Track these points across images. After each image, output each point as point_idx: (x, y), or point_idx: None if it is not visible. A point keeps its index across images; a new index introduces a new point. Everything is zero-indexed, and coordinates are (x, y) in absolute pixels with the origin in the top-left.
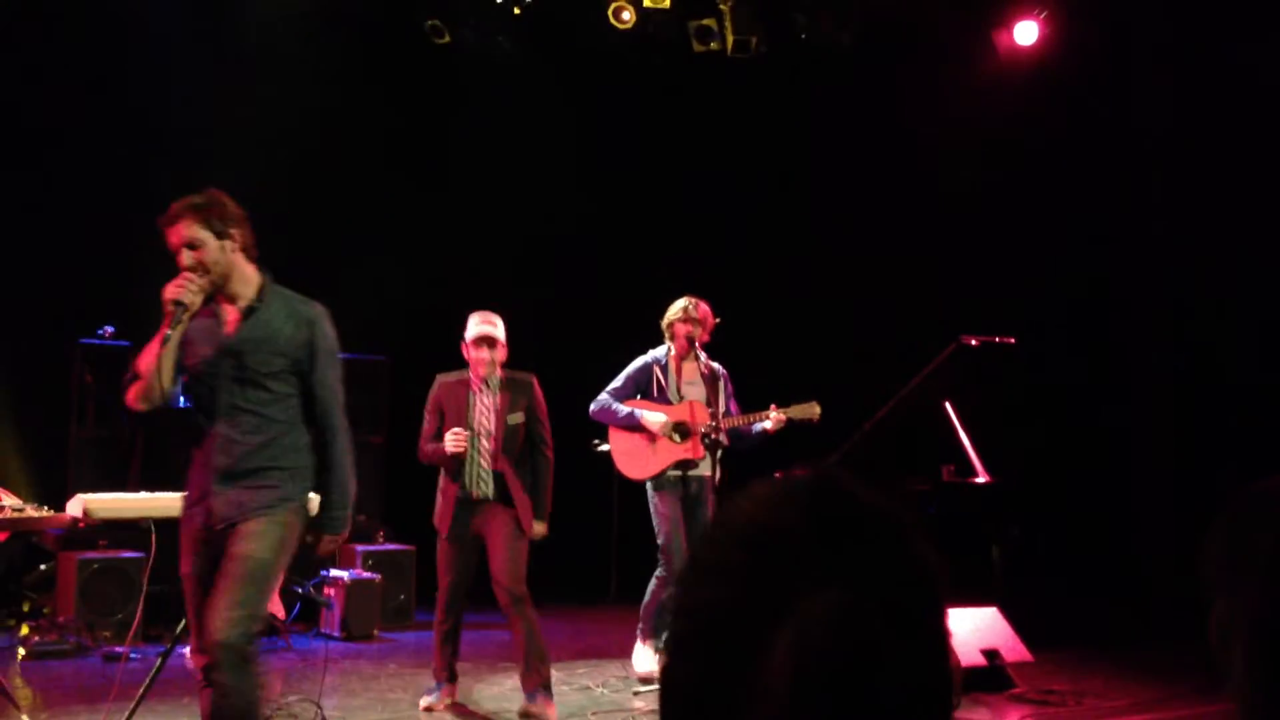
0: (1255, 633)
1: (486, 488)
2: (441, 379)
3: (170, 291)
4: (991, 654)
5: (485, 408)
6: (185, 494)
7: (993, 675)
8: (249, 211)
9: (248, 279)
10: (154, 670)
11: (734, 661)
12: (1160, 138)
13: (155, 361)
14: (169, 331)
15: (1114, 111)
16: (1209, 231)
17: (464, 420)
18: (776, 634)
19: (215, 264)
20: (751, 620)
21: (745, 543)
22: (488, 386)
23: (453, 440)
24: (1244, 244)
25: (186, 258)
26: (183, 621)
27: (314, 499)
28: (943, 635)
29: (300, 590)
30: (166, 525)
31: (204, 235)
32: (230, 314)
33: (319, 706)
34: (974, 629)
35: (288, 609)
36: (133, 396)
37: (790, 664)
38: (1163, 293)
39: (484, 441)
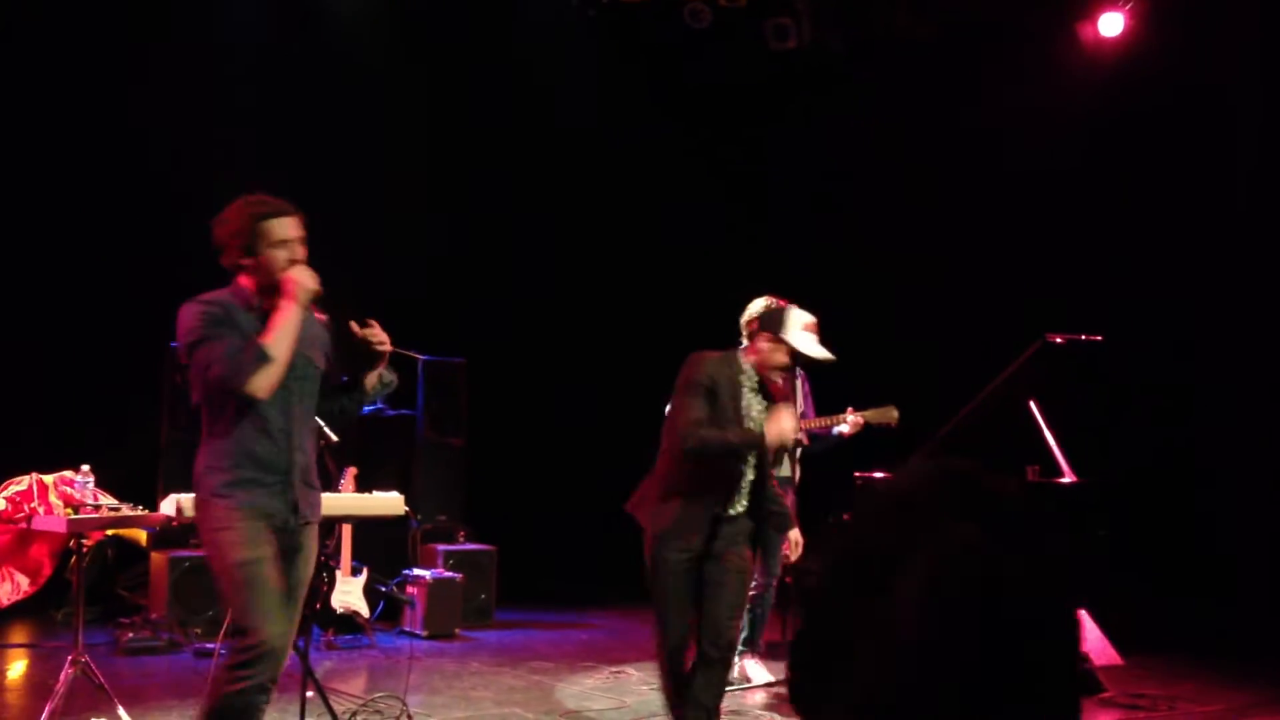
0: None
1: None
2: (707, 355)
3: (310, 279)
4: (1081, 658)
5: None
6: (236, 479)
7: (1081, 679)
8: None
9: None
10: None
11: (874, 591)
12: (1250, 130)
13: (293, 346)
14: (320, 316)
15: (1203, 104)
16: None
17: (739, 416)
18: (908, 567)
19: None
20: (886, 564)
21: (891, 501)
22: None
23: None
24: None
25: (301, 252)
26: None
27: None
28: (1070, 604)
29: (384, 589)
30: None
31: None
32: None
33: (404, 704)
34: None
35: (371, 607)
36: (265, 384)
37: (925, 584)
38: (1254, 294)
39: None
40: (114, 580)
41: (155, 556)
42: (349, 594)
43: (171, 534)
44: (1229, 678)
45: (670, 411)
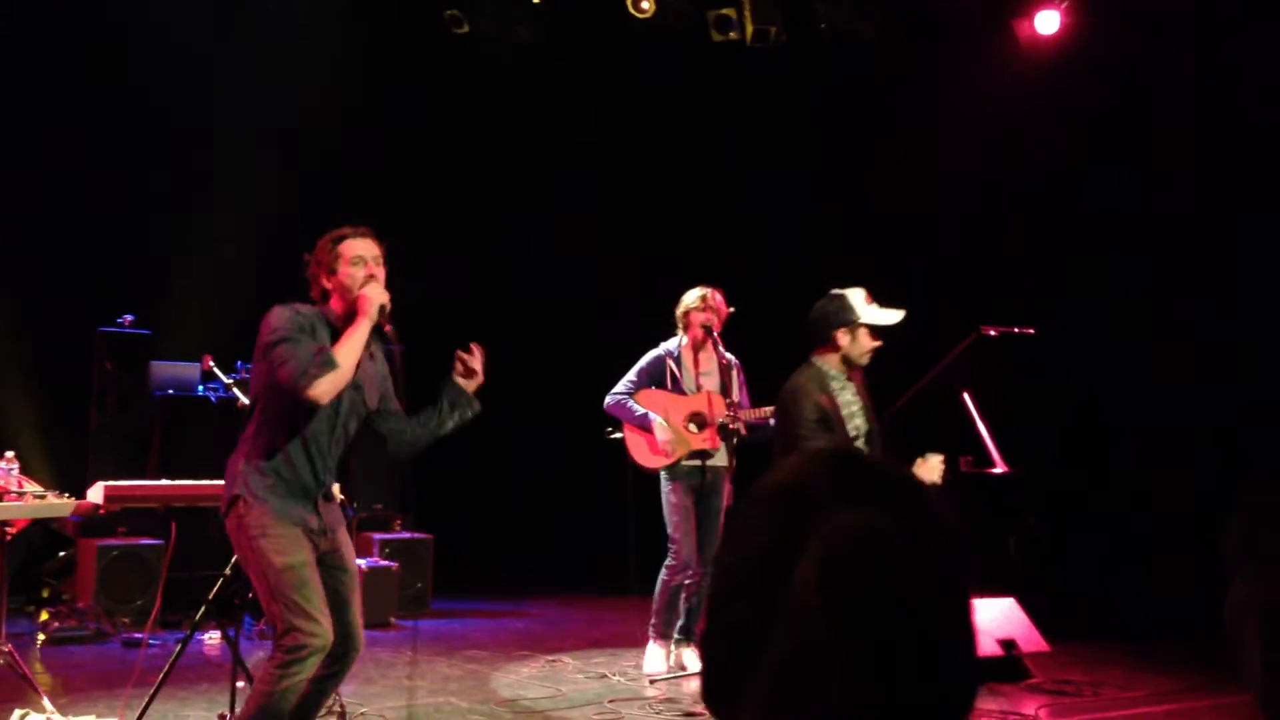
0: (1267, 618)
1: None
2: (803, 385)
3: (380, 294)
4: (1008, 644)
5: None
6: (273, 484)
7: (1009, 665)
8: (259, 204)
9: None
10: (173, 657)
11: (768, 593)
12: (1182, 127)
13: (359, 359)
14: (389, 331)
15: (1135, 102)
16: (1232, 224)
17: (846, 429)
18: (803, 552)
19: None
20: (781, 554)
21: (774, 497)
22: None
23: None
24: (1272, 235)
25: (379, 272)
26: (202, 608)
27: None
28: (963, 584)
29: None
30: (186, 513)
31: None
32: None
33: (337, 694)
34: (991, 619)
35: None
36: (328, 389)
37: (816, 572)
38: (1181, 289)
39: None
40: (40, 569)
41: (83, 544)
42: None
43: (99, 522)
44: (1154, 663)
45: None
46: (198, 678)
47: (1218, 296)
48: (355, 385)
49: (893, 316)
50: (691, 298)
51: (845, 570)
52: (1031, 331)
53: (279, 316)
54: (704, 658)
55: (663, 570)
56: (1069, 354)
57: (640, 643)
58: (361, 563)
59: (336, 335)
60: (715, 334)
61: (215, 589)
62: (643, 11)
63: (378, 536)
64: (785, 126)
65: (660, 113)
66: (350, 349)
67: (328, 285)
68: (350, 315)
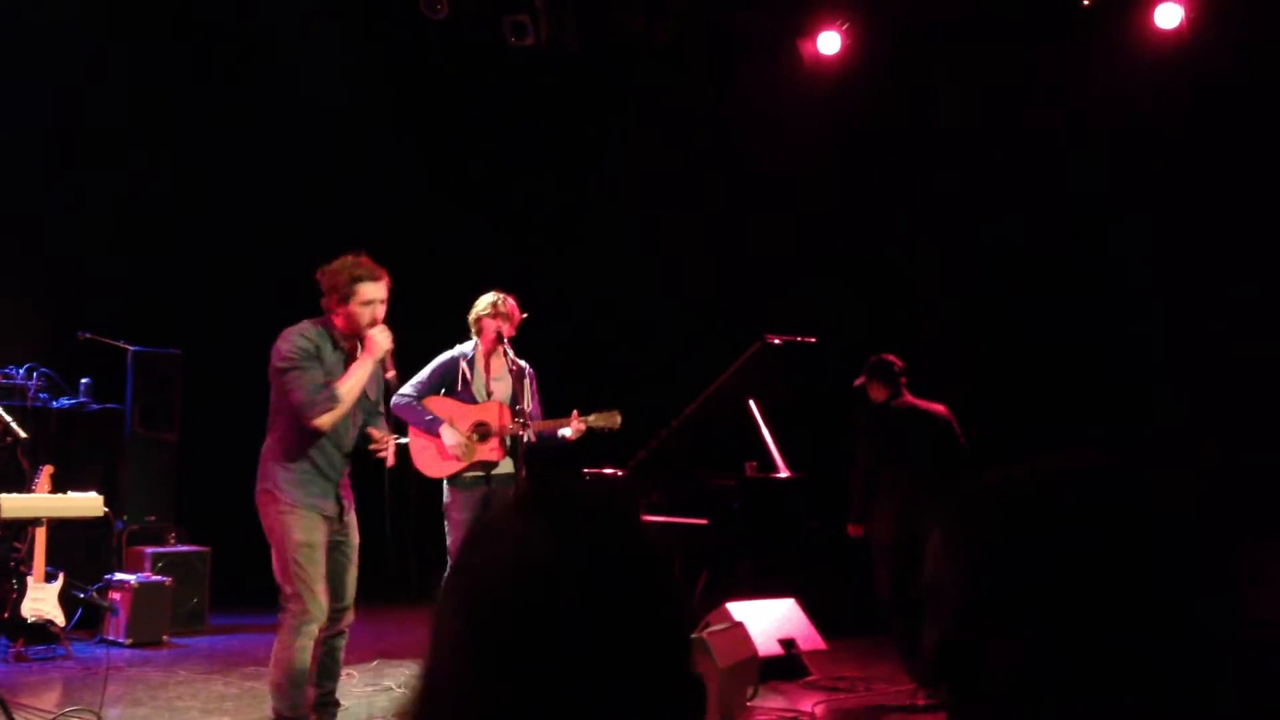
0: (938, 647)
1: None
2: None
3: (386, 339)
4: (788, 643)
5: None
6: (299, 477)
7: (789, 664)
8: None
9: None
10: None
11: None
12: (956, 143)
13: (358, 394)
14: (386, 374)
15: (912, 120)
16: (997, 236)
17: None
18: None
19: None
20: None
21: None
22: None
23: None
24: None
25: (382, 310)
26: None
27: None
28: (656, 596)
29: (82, 595)
30: None
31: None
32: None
33: (98, 717)
34: (772, 619)
35: (68, 616)
36: (328, 421)
37: (480, 587)
38: (957, 296)
39: None
40: None
41: None
42: (42, 602)
43: None
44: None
45: None
46: None
47: (991, 306)
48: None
49: None
50: (483, 303)
51: (498, 598)
52: (813, 340)
53: (289, 344)
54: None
55: (444, 581)
56: (851, 359)
57: (422, 652)
58: (131, 578)
59: (339, 354)
60: (506, 341)
61: None
62: (436, 13)
63: (149, 550)
64: (579, 132)
65: (454, 116)
66: (353, 385)
67: (336, 309)
68: (352, 335)
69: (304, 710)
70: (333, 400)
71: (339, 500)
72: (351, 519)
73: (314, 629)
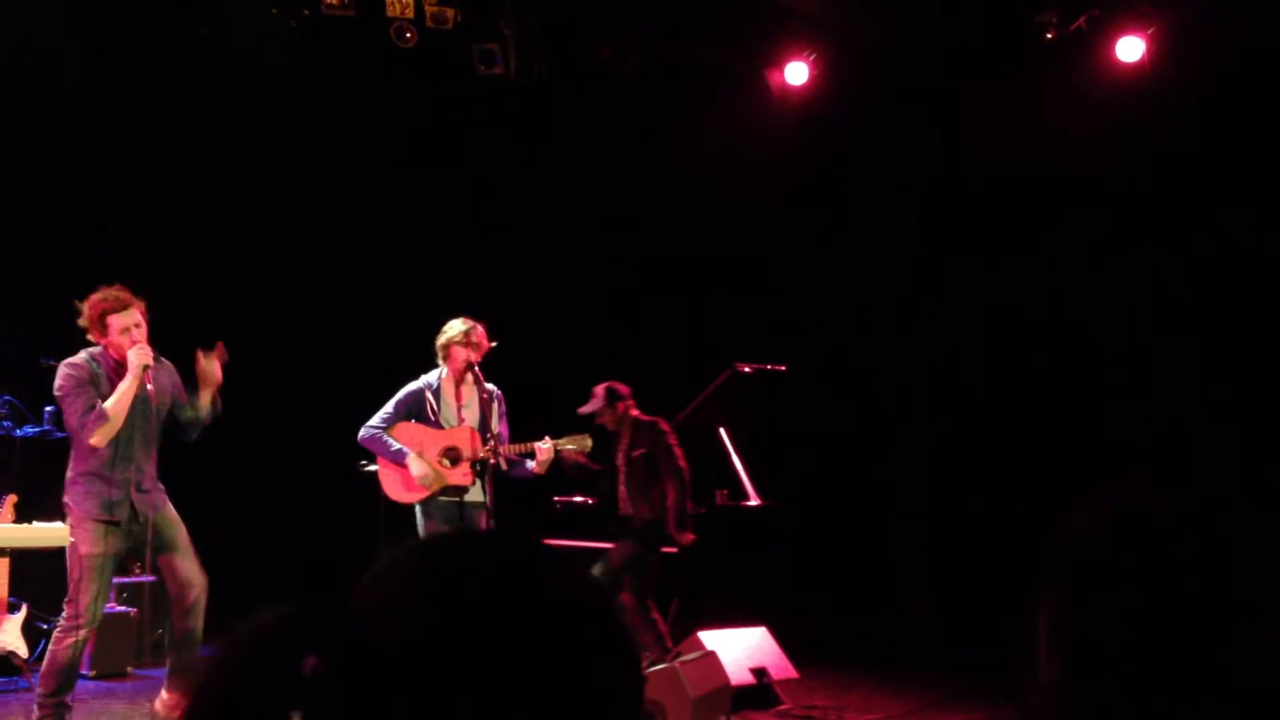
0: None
1: None
2: None
3: (147, 356)
4: (760, 672)
5: None
6: (89, 489)
7: (761, 693)
8: None
9: None
10: None
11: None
12: (921, 177)
13: (127, 409)
14: (148, 385)
15: (878, 153)
16: (963, 269)
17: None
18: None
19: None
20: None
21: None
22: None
23: None
24: (998, 283)
25: (141, 333)
26: None
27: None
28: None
29: (46, 627)
30: None
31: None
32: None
33: None
34: (744, 648)
35: (31, 647)
36: (101, 438)
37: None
38: (922, 329)
39: None
40: None
41: None
42: (5, 633)
43: None
44: (892, 686)
45: None
46: None
47: (959, 336)
48: (143, 400)
49: None
50: (453, 331)
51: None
52: (783, 369)
53: (61, 375)
54: None
55: None
56: (821, 389)
57: None
58: None
59: (112, 375)
60: (476, 367)
61: None
62: (406, 42)
63: (115, 581)
64: (547, 161)
65: (421, 144)
66: (120, 402)
67: (100, 340)
68: (122, 364)
69: (68, 694)
70: (101, 418)
71: (133, 507)
72: (167, 513)
73: (84, 634)
